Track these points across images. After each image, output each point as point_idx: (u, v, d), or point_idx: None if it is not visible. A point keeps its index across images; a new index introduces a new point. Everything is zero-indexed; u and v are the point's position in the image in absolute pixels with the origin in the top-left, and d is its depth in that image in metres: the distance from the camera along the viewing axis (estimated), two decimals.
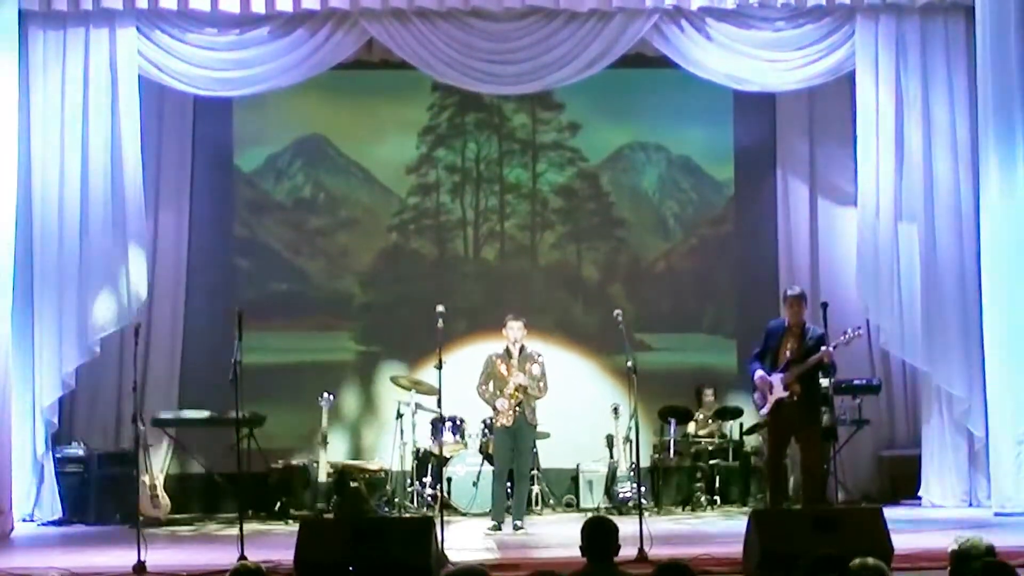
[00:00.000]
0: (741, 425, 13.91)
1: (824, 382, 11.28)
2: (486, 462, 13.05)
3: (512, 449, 11.91)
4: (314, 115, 14.73)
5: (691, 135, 14.94)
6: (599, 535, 6.62)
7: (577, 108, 14.79)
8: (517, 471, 11.97)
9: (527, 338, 12.02)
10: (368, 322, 14.70)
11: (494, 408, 11.95)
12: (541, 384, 11.94)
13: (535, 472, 13.42)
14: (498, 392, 11.89)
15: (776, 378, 11.02)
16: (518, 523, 11.77)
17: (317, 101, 14.55)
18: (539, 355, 12.08)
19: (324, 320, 14.67)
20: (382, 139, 14.87)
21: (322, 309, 14.70)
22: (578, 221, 14.92)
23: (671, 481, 13.95)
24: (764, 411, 11.22)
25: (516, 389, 11.78)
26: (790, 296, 11.38)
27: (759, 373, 11.16)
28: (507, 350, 11.94)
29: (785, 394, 10.97)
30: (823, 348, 10.75)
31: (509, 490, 12.11)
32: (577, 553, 9.41)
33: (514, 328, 11.92)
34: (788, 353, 11.09)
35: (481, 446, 13.33)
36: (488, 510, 12.24)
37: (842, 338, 10.88)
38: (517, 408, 11.80)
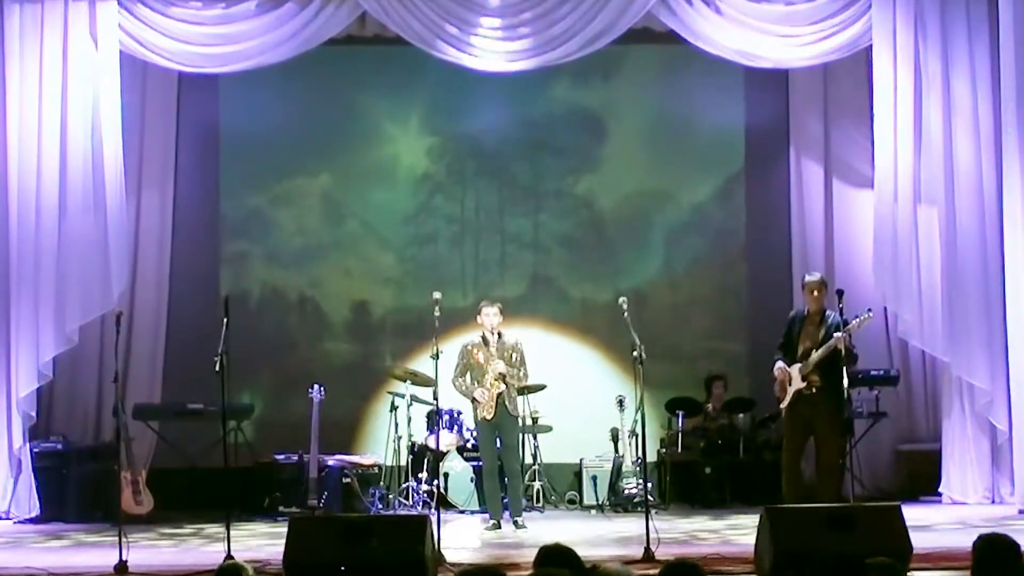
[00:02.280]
0: (753, 418, 13.89)
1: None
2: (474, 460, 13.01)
3: (498, 444, 11.85)
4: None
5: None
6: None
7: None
8: (506, 466, 11.89)
9: (503, 324, 11.95)
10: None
11: (473, 400, 11.87)
12: (522, 372, 11.89)
13: (536, 467, 13.42)
14: (476, 383, 11.83)
15: (795, 368, 10.99)
16: (518, 520, 11.72)
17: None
18: (518, 341, 12.01)
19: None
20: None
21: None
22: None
23: (679, 477, 13.89)
24: (783, 404, 11.19)
25: (496, 379, 11.72)
26: (809, 282, 11.34)
27: (779, 364, 11.13)
28: (483, 338, 11.88)
29: (803, 385, 10.93)
30: (835, 334, 10.70)
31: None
32: (579, 552, 9.41)
33: (490, 314, 11.85)
34: (808, 343, 11.05)
35: (467, 442, 13.30)
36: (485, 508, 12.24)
37: (853, 323, 10.83)
38: (498, 399, 11.74)
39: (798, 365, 10.98)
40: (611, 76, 14.68)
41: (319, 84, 14.43)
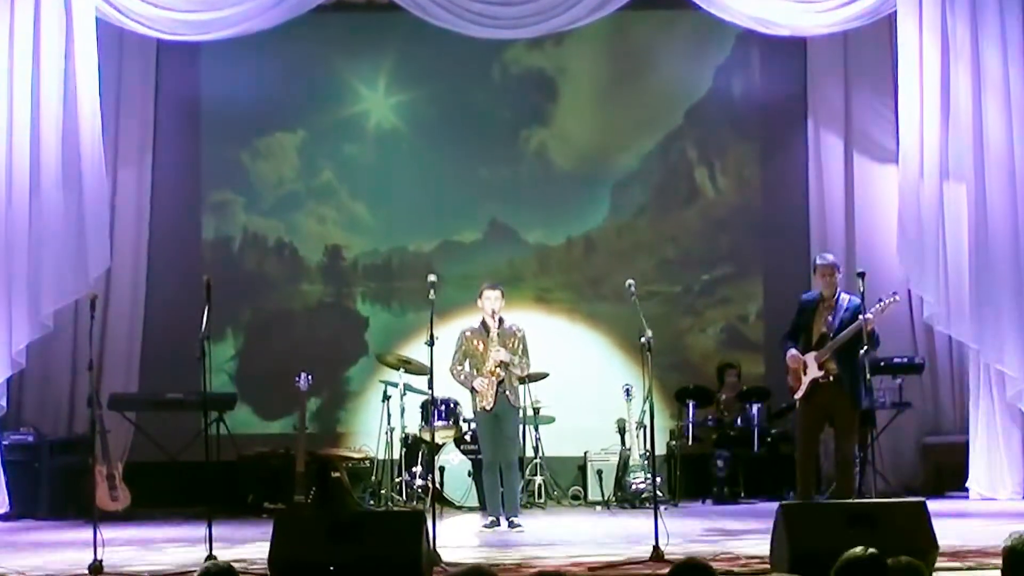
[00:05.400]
0: (768, 409, 13.87)
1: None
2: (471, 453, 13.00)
3: (497, 436, 11.79)
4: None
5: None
6: None
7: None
8: (504, 460, 11.77)
9: (504, 309, 11.91)
10: None
11: (472, 390, 11.77)
12: (524, 361, 11.84)
13: (538, 461, 13.41)
14: (475, 372, 11.79)
15: (810, 357, 10.96)
16: (513, 519, 11.62)
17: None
18: (520, 328, 11.93)
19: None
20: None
21: None
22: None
23: (689, 471, 13.88)
24: (798, 394, 11.15)
25: (497, 366, 11.68)
26: (821, 265, 11.30)
27: (791, 352, 11.09)
28: (484, 323, 11.80)
29: (820, 374, 10.90)
30: (861, 316, 10.65)
31: None
32: (584, 551, 9.41)
33: (491, 298, 11.76)
34: (823, 328, 11.02)
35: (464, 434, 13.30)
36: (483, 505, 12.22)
37: (877, 307, 10.79)
38: (498, 388, 11.71)
39: (813, 352, 10.95)
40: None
41: (296, 48, 14.75)
